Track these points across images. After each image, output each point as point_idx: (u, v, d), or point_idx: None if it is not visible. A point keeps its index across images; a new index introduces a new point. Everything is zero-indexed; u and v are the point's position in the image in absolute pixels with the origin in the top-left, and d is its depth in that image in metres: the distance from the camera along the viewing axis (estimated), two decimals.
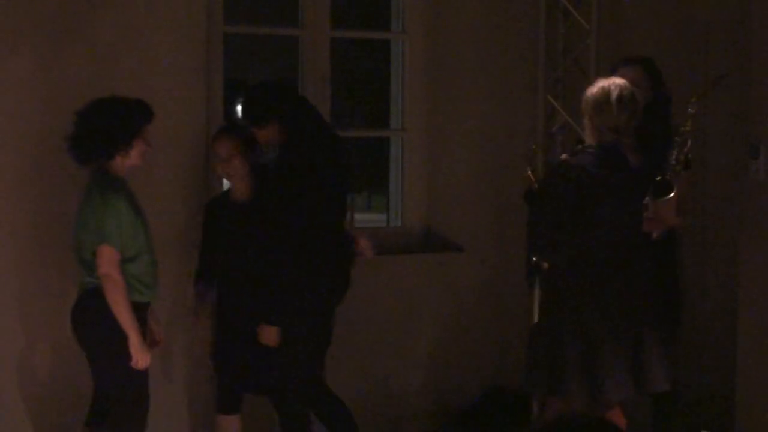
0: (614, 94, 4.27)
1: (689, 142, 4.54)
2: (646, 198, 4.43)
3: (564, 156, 4.44)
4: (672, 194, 4.42)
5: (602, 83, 4.33)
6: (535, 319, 5.50)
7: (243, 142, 4.79)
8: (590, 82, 4.56)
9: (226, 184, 5.07)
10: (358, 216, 5.81)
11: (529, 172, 4.72)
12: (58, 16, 4.93)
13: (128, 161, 4.44)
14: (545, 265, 4.48)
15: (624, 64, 4.86)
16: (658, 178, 4.41)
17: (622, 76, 4.77)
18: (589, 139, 4.34)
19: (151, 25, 5.07)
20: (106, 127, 4.38)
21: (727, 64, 5.59)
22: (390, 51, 6.06)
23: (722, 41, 5.69)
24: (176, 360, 5.18)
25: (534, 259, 4.61)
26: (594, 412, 4.21)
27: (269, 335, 4.70)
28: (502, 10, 5.82)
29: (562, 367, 4.26)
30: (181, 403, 5.23)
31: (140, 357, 4.38)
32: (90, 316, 4.43)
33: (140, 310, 4.44)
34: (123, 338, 4.36)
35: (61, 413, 4.97)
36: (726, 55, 5.65)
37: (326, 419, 4.89)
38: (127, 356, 4.38)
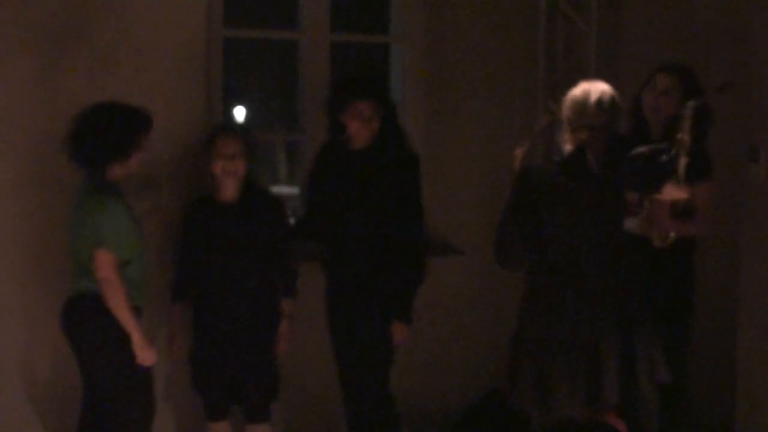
0: (594, 96, 4.26)
1: (685, 148, 4.52)
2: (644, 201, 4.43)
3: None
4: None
5: (584, 85, 4.33)
6: None
7: (245, 142, 4.78)
8: None
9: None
10: None
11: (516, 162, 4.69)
12: (57, 19, 4.93)
13: (125, 169, 4.46)
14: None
15: (658, 70, 4.85)
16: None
17: (656, 83, 4.77)
18: (565, 144, 4.33)
19: (150, 29, 5.07)
20: (107, 134, 4.37)
21: (727, 68, 5.59)
22: (389, 54, 6.06)
23: (722, 45, 5.70)
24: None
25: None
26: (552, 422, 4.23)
27: (403, 332, 4.76)
28: (501, 14, 5.83)
29: (517, 377, 4.27)
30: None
31: (145, 355, 4.38)
32: (88, 321, 4.41)
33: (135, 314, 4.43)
34: (123, 341, 4.36)
35: (61, 414, 4.97)
36: (726, 58, 5.65)
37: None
38: (129, 359, 4.37)
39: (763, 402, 5.08)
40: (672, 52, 5.77)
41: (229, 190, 4.76)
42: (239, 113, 27.79)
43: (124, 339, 4.36)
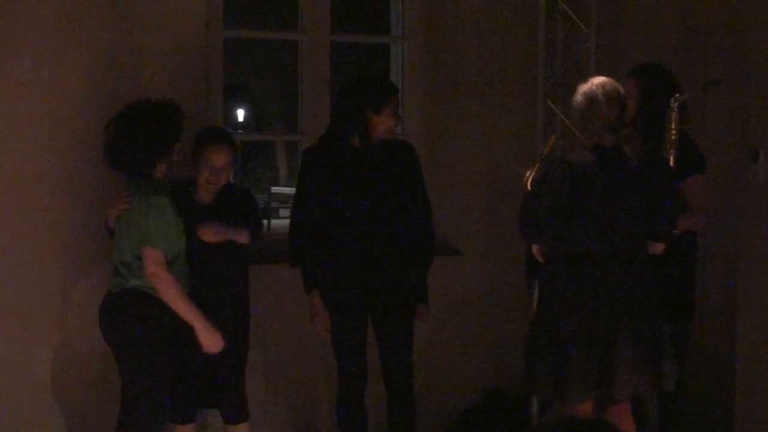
0: (599, 94, 4.26)
1: (674, 143, 4.54)
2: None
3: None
4: None
5: (583, 89, 4.31)
6: None
7: (233, 152, 4.70)
8: None
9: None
10: None
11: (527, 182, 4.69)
12: (57, 21, 4.93)
13: (169, 165, 4.46)
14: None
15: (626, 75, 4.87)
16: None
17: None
18: (590, 140, 4.32)
19: (150, 30, 5.07)
20: (151, 137, 4.36)
21: (726, 68, 5.60)
22: (390, 55, 6.07)
23: (721, 45, 5.70)
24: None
25: (530, 258, 4.58)
26: (567, 412, 4.23)
27: (429, 312, 4.88)
28: (501, 14, 5.83)
29: (535, 367, 4.28)
30: None
31: (212, 340, 4.38)
32: (124, 315, 4.38)
33: (172, 314, 4.41)
34: (149, 343, 4.34)
35: (61, 415, 4.99)
36: (725, 58, 5.66)
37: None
38: (153, 360, 4.35)
39: (762, 404, 5.09)
40: (672, 52, 5.78)
41: (208, 195, 4.72)
42: (239, 114, 27.78)
43: (151, 341, 4.35)
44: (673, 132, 4.54)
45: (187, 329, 4.54)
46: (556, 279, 4.28)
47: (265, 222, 21.36)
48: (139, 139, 4.35)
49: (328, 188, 4.76)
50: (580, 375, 4.18)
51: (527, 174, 4.65)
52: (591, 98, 4.26)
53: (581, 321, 4.20)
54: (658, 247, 4.41)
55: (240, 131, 25.62)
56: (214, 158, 4.62)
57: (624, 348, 4.20)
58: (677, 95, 4.59)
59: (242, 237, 4.68)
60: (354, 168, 4.73)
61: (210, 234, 4.60)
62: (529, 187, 4.60)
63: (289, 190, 24.80)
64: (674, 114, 4.55)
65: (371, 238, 4.72)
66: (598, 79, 4.32)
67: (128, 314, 4.38)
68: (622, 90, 4.31)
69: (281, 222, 21.71)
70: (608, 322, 4.20)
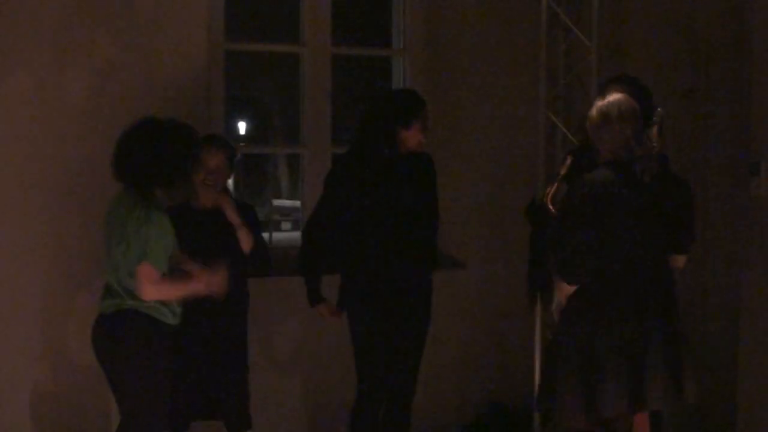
0: (614, 113, 4.22)
1: (655, 157, 4.50)
2: None
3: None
4: None
5: (599, 105, 4.27)
6: (537, 335, 5.52)
7: (228, 156, 4.73)
8: (591, 99, 4.55)
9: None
10: None
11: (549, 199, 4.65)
12: (59, 34, 4.95)
13: (185, 191, 4.51)
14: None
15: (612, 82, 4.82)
16: None
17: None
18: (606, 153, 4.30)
19: (152, 43, 5.09)
20: (161, 152, 4.29)
21: (728, 81, 5.62)
22: (391, 67, 6.07)
23: (723, 58, 5.71)
24: None
25: (536, 277, 4.56)
26: (590, 427, 4.20)
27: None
28: (502, 27, 5.84)
29: (558, 382, 4.24)
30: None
31: (217, 284, 4.35)
32: (122, 336, 4.28)
33: (170, 334, 4.35)
34: (150, 364, 4.27)
35: (61, 427, 4.98)
36: (726, 71, 5.67)
37: None
38: (152, 383, 4.30)
39: (764, 403, 5.09)
40: (673, 64, 5.79)
41: (208, 199, 4.73)
42: (241, 126, 27.76)
43: (151, 362, 4.32)
44: (655, 145, 4.49)
45: (186, 343, 4.54)
46: (587, 295, 4.24)
47: (266, 235, 21.46)
48: (152, 155, 4.33)
49: (355, 198, 4.78)
50: (615, 389, 4.14)
51: (547, 190, 4.61)
52: (605, 116, 4.23)
53: (616, 336, 4.16)
54: (680, 260, 4.40)
55: (241, 143, 25.66)
56: (207, 159, 4.65)
57: (655, 358, 4.17)
58: (659, 109, 4.53)
59: (244, 234, 4.71)
60: (382, 178, 4.77)
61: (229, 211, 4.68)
62: (550, 205, 4.55)
63: (291, 203, 24.85)
64: (655, 127, 4.48)
65: (394, 248, 4.75)
66: (614, 97, 4.26)
67: (128, 338, 4.27)
68: (638, 108, 4.27)
69: (283, 235, 21.73)
70: (639, 333, 4.17)
